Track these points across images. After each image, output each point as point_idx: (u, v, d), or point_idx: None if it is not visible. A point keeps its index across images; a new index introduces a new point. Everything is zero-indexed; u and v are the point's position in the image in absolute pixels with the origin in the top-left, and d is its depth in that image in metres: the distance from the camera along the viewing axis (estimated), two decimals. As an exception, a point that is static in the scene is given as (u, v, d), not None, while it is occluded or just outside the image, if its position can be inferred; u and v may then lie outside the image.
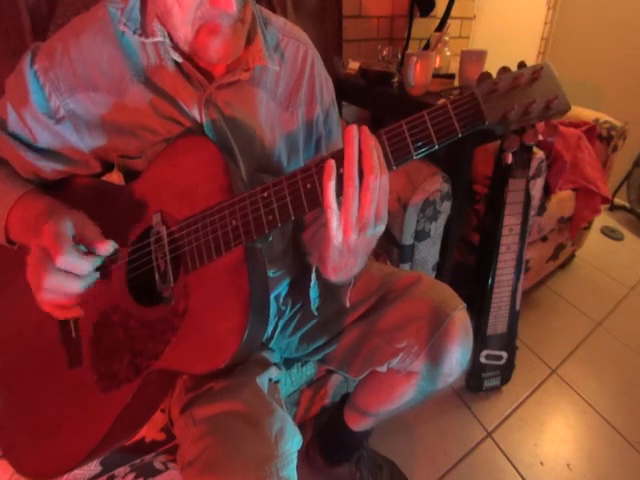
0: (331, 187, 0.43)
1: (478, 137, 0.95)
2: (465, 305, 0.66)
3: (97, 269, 0.48)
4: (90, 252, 0.47)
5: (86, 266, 0.45)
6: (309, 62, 0.64)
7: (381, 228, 0.47)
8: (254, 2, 0.56)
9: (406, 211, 0.98)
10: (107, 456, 0.66)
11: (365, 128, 0.43)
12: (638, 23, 1.96)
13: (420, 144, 0.44)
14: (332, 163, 0.43)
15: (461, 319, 0.64)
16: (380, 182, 0.43)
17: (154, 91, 0.54)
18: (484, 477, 1.00)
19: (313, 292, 0.63)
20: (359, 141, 0.43)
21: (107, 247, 0.48)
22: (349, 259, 0.52)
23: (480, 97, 0.43)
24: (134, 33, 0.51)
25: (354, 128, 0.43)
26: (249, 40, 0.55)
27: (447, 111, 0.43)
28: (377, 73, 1.24)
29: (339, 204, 0.44)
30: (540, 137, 0.45)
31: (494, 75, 0.44)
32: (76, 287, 0.46)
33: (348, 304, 0.64)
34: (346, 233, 0.45)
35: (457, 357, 0.64)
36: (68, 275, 0.45)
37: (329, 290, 0.71)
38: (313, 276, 0.61)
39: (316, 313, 0.66)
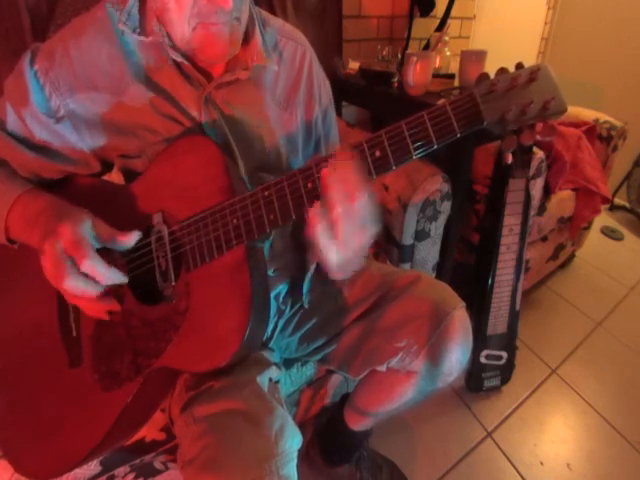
0: (319, 231, 0.41)
1: (478, 137, 0.95)
2: (464, 304, 0.67)
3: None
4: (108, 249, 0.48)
5: (107, 276, 0.45)
6: (307, 63, 0.64)
7: (375, 229, 0.45)
8: (252, 4, 0.57)
9: (406, 211, 0.98)
10: (107, 456, 0.66)
11: (339, 153, 0.42)
12: (638, 23, 1.96)
13: (419, 144, 0.44)
14: (314, 211, 0.41)
15: (460, 318, 0.64)
16: (365, 199, 0.41)
17: (154, 90, 0.55)
18: (484, 477, 1.00)
19: (306, 285, 0.64)
20: (336, 167, 0.41)
21: (132, 237, 0.49)
22: (350, 265, 0.51)
23: (478, 98, 0.43)
24: (133, 32, 0.51)
25: (330, 169, 0.41)
26: (246, 40, 0.55)
27: (446, 111, 0.43)
28: (377, 73, 1.24)
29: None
30: (538, 137, 0.45)
31: (492, 76, 0.45)
32: (93, 293, 0.46)
33: (347, 292, 0.66)
34: (343, 252, 0.43)
35: (457, 356, 0.64)
36: (89, 281, 0.45)
37: (329, 287, 0.72)
38: (312, 267, 0.62)
39: (307, 306, 0.68)
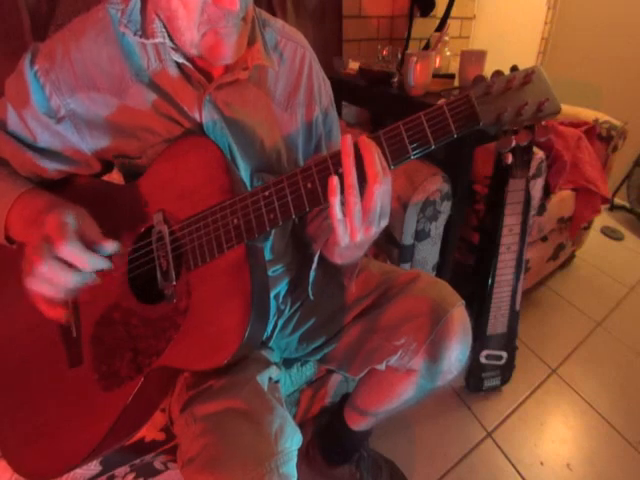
0: (336, 202, 0.44)
1: (478, 137, 0.95)
2: (464, 302, 0.67)
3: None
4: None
5: (88, 260, 0.44)
6: (307, 63, 0.64)
7: (385, 223, 0.48)
8: (253, 5, 0.57)
9: (406, 211, 0.98)
10: (107, 456, 0.66)
11: (364, 137, 0.44)
12: (638, 23, 1.96)
13: (417, 144, 0.45)
14: (335, 181, 0.43)
15: (459, 316, 0.64)
16: (384, 183, 0.44)
17: (154, 91, 0.55)
18: (484, 477, 1.00)
19: (311, 275, 0.65)
20: (361, 149, 0.43)
21: (112, 245, 0.47)
22: (355, 251, 0.56)
23: (475, 99, 0.44)
24: (135, 34, 0.51)
25: (349, 138, 0.43)
26: (250, 42, 0.55)
27: (443, 112, 0.44)
28: (377, 73, 1.24)
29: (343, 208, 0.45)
30: (533, 137, 0.46)
31: (488, 78, 0.45)
32: (69, 280, 0.43)
33: (354, 288, 0.67)
34: (352, 237, 0.46)
35: (456, 354, 0.64)
36: (64, 266, 0.43)
37: (329, 286, 0.72)
38: (315, 259, 0.62)
39: (312, 298, 0.69)
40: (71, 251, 0.43)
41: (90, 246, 0.46)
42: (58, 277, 0.43)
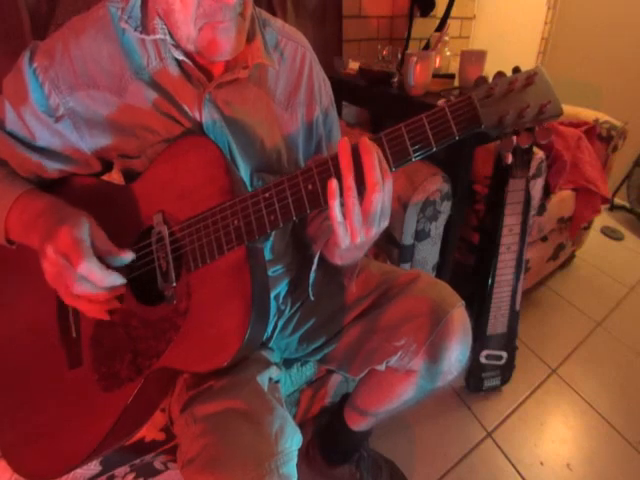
0: (336, 205, 0.44)
1: (478, 138, 0.95)
2: (464, 302, 0.67)
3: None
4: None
5: (106, 279, 0.46)
6: (307, 63, 0.64)
7: (385, 223, 0.48)
8: (253, 4, 0.57)
9: (406, 211, 0.98)
10: (107, 456, 0.66)
11: (365, 140, 0.43)
12: (638, 23, 1.96)
13: (418, 147, 0.45)
14: (335, 184, 0.43)
15: (459, 316, 0.64)
16: (384, 189, 0.44)
17: (154, 89, 0.54)
18: (484, 477, 1.00)
19: (312, 277, 0.65)
20: (361, 153, 0.43)
21: (127, 255, 0.49)
22: (355, 252, 0.56)
23: (477, 101, 0.44)
24: (135, 30, 0.51)
25: (346, 139, 0.43)
26: (249, 39, 0.55)
27: (445, 115, 0.44)
28: (377, 73, 1.24)
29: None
30: (534, 140, 0.46)
31: (490, 79, 0.45)
32: (102, 295, 0.47)
33: (354, 288, 0.68)
34: (353, 238, 0.46)
35: (456, 355, 0.64)
36: (86, 283, 0.46)
37: (329, 287, 0.72)
38: (315, 260, 0.62)
39: (313, 299, 0.69)
40: (90, 269, 0.44)
41: (105, 257, 0.48)
42: (92, 294, 0.47)
